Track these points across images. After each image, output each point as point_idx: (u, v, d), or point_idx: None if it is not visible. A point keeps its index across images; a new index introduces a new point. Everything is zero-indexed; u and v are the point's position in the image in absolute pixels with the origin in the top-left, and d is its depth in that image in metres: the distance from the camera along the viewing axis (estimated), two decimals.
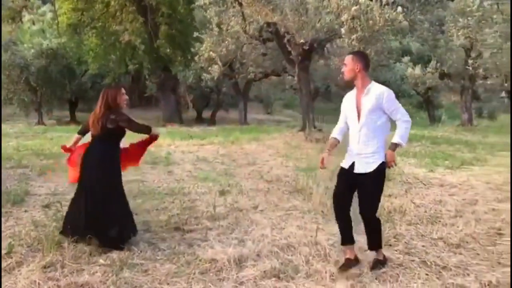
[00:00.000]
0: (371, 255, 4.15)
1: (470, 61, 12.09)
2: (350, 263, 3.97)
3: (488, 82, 14.98)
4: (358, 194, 3.94)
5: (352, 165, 3.93)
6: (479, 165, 8.90)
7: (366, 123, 3.84)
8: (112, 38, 24.18)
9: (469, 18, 9.05)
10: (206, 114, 30.75)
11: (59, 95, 26.04)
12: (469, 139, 13.93)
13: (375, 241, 4.04)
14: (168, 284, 3.72)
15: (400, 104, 3.90)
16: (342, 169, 4.04)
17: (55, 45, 24.45)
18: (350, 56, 3.97)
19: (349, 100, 4.02)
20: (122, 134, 4.66)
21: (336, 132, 4.16)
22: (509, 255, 4.19)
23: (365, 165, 3.86)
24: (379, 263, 3.99)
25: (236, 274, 3.86)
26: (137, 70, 28.91)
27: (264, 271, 3.87)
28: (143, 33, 23.70)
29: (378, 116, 3.84)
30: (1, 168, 7.45)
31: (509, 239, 4.60)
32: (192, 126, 21.76)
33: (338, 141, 4.15)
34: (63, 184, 7.31)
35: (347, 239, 4.06)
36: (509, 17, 7.14)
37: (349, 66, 3.91)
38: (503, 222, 5.12)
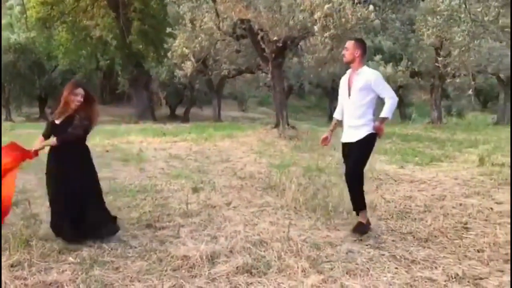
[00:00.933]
0: (343, 249, 4.24)
1: (440, 59, 12.37)
2: (362, 226, 4.60)
3: (457, 81, 15.38)
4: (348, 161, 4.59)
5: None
6: (448, 161, 9.11)
7: (355, 99, 4.46)
8: (83, 33, 23.80)
9: (438, 17, 9.23)
10: (179, 111, 30.55)
11: (28, 91, 25.55)
12: (438, 136, 14.23)
13: (357, 204, 4.65)
14: (139, 281, 3.68)
15: (387, 84, 4.51)
16: (342, 144, 4.66)
17: (23, 39, 23.95)
18: (352, 42, 4.53)
19: (343, 81, 4.62)
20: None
21: (337, 114, 4.79)
22: (475, 248, 4.31)
23: (354, 135, 4.48)
24: (361, 226, 4.56)
25: (209, 270, 3.84)
26: (108, 66, 28.49)
27: (237, 267, 3.86)
28: (114, 28, 23.37)
29: (366, 94, 4.44)
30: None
31: (474, 233, 4.75)
32: (165, 123, 21.58)
33: (338, 121, 4.78)
34: (31, 182, 7.17)
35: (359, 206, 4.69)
36: (475, 17, 7.36)
37: (350, 50, 4.48)
38: (470, 216, 5.26)
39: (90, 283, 3.57)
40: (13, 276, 3.65)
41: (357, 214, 4.74)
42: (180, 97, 29.81)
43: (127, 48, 23.33)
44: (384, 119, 4.48)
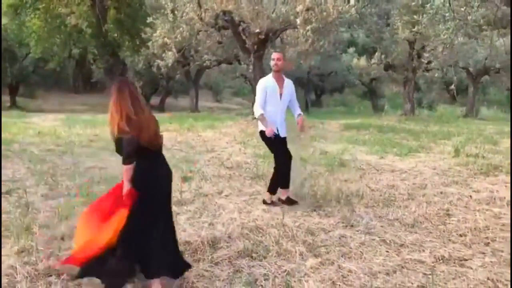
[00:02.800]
0: (336, 234, 4.49)
1: (426, 55, 12.80)
2: (291, 200, 5.60)
3: (436, 76, 15.87)
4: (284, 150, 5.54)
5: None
6: (425, 152, 9.48)
7: (285, 102, 5.52)
8: (57, 20, 23.21)
9: (424, 15, 9.59)
10: (154, 101, 30.35)
11: None
12: (413, 128, 14.66)
13: (288, 181, 5.67)
14: None
15: None
16: (280, 137, 5.43)
17: None
18: (281, 54, 5.52)
19: (271, 85, 5.43)
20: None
21: (262, 110, 5.37)
22: (458, 233, 4.63)
23: (285, 130, 5.56)
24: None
25: (211, 254, 4.02)
26: (81, 55, 27.99)
27: (238, 251, 4.07)
28: (90, 16, 22.93)
29: (290, 97, 5.58)
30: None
31: (456, 219, 5.06)
32: None
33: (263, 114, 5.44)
34: (19, 171, 7.16)
35: (287, 184, 5.62)
36: (458, 15, 7.71)
37: (281, 61, 5.44)
38: (451, 204, 5.58)
39: None
40: (23, 262, 3.74)
41: (272, 193, 5.65)
42: (155, 87, 29.60)
43: (103, 36, 22.98)
44: (301, 114, 5.58)
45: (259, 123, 5.47)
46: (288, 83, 5.56)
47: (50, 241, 4.24)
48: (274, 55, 5.47)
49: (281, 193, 5.63)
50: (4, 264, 3.67)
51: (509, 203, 5.53)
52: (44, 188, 6.13)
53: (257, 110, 5.37)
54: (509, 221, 4.88)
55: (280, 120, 5.47)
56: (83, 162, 8.03)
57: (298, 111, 5.62)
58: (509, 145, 10.18)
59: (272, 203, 5.59)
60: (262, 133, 5.45)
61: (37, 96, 30.58)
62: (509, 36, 12.90)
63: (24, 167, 7.40)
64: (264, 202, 5.63)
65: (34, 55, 25.19)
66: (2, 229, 4.50)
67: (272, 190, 5.64)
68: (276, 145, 5.48)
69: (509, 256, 3.99)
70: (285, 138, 5.55)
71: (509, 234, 4.52)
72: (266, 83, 5.46)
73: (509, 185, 6.34)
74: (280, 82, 5.49)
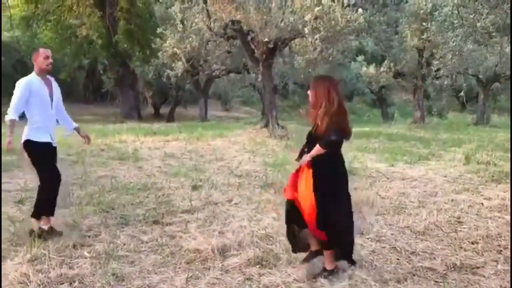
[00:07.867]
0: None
1: (435, 62, 12.81)
2: (55, 231, 4.66)
3: (445, 83, 15.89)
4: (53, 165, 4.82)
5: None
6: (435, 160, 9.43)
7: (57, 105, 4.84)
8: (68, 32, 23.56)
9: (433, 22, 9.61)
10: (163, 110, 30.53)
11: (10, 91, 25.20)
12: (423, 136, 14.61)
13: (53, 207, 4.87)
14: (156, 273, 3.85)
15: None
16: (47, 144, 4.72)
17: (7, 38, 23.64)
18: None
19: (37, 86, 4.64)
20: None
21: (16, 114, 4.59)
22: (469, 240, 4.59)
23: (55, 138, 4.82)
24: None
25: (221, 262, 4.03)
26: (91, 65, 28.29)
27: (248, 260, 4.06)
28: (100, 27, 23.23)
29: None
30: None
31: (467, 226, 5.03)
32: (152, 123, 21.60)
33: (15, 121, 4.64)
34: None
35: (52, 210, 4.79)
36: (467, 23, 7.73)
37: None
38: (462, 211, 5.55)
39: (109, 276, 3.72)
40: (35, 270, 3.78)
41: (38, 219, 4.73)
42: (165, 97, 29.79)
43: (113, 47, 23.25)
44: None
45: (24, 131, 4.66)
46: (56, 85, 4.87)
47: (62, 249, 4.29)
48: (49, 52, 4.70)
49: (43, 221, 4.67)
50: (17, 272, 3.70)
51: None
52: None
53: (10, 114, 4.56)
54: None
55: (51, 125, 4.78)
56: (94, 171, 8.10)
57: (72, 122, 5.09)
58: None
59: (46, 231, 4.61)
60: (26, 143, 4.66)
61: None
62: None
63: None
64: (32, 232, 4.60)
65: None
66: (15, 238, 4.55)
67: (37, 215, 4.71)
68: (45, 158, 4.72)
69: None
70: (56, 148, 4.85)
71: None
72: (30, 83, 4.59)
73: None
74: (47, 83, 4.74)
